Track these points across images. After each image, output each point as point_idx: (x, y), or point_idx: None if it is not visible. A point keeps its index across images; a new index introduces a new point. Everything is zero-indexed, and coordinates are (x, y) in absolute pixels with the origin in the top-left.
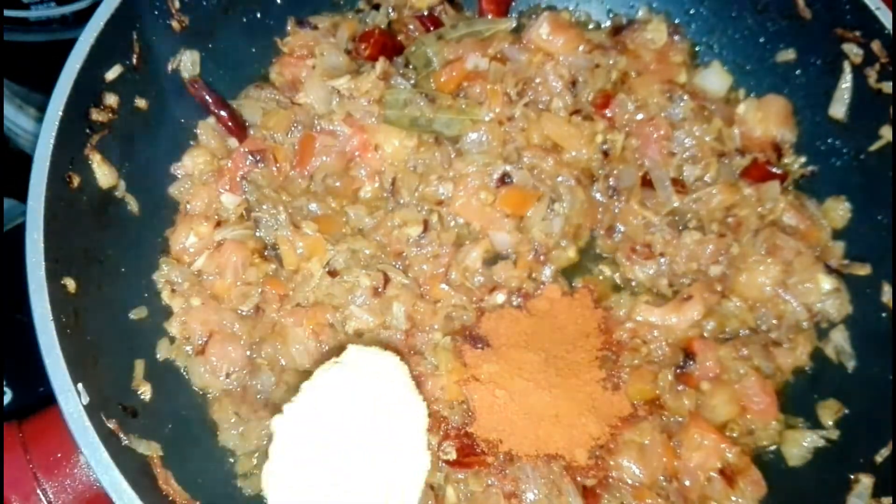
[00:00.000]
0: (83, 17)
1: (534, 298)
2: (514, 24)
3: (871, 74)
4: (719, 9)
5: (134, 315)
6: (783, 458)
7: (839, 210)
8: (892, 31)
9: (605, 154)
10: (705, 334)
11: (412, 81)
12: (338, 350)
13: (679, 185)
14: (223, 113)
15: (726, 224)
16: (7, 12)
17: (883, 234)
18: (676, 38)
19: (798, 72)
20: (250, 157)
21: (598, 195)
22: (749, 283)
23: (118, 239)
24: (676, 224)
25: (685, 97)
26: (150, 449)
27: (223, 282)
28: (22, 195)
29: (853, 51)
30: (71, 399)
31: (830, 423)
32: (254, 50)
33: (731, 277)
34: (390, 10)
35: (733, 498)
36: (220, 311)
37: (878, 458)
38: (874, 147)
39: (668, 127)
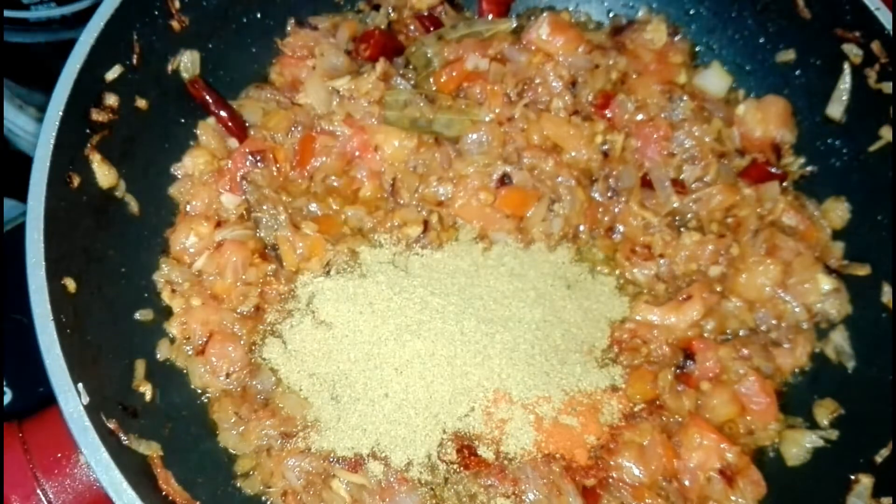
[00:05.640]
0: (83, 17)
1: None
2: (514, 25)
3: (871, 75)
4: (719, 9)
5: (140, 316)
6: (783, 458)
7: (839, 210)
8: (892, 32)
9: (605, 154)
10: (705, 334)
11: (412, 82)
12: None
13: (679, 185)
14: (223, 113)
15: (726, 224)
16: (7, 12)
17: (883, 234)
18: (676, 38)
19: (798, 72)
20: (250, 157)
21: (597, 195)
22: (749, 283)
23: (118, 239)
24: (676, 225)
25: (685, 98)
26: (150, 449)
27: (223, 282)
28: (22, 195)
29: (853, 51)
30: (71, 399)
31: (826, 422)
32: (254, 50)
33: (731, 278)
34: (390, 11)
35: (733, 498)
36: (220, 311)
37: (878, 458)
38: (874, 147)
39: (667, 127)
